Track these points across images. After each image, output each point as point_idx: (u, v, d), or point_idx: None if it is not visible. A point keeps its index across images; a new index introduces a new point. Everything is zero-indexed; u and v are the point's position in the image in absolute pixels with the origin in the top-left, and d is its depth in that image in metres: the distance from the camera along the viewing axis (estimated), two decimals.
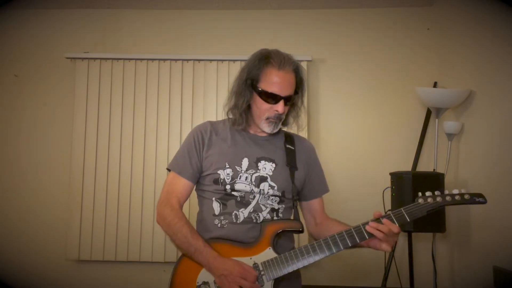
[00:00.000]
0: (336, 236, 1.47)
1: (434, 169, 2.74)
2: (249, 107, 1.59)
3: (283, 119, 1.61)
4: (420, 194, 1.47)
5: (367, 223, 1.45)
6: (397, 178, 2.47)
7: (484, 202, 1.45)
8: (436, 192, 1.46)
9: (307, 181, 1.68)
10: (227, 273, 1.40)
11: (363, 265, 2.81)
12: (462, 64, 2.70)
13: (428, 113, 2.94)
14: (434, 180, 2.46)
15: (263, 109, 1.55)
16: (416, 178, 2.43)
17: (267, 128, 1.58)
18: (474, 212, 2.44)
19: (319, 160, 1.77)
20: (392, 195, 2.51)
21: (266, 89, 1.52)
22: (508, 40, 2.17)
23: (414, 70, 3.02)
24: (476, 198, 1.45)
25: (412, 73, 3.02)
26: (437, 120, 2.73)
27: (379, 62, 3.05)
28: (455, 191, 1.46)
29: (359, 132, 3.02)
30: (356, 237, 1.45)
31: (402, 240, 2.82)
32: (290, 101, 1.57)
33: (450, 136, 2.65)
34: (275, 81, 1.51)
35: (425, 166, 2.91)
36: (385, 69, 3.05)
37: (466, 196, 1.45)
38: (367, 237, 1.45)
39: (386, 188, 2.57)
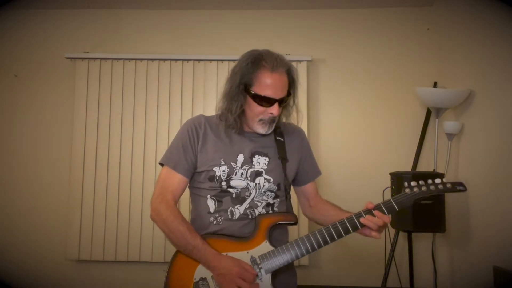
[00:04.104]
0: (330, 227, 1.50)
1: (434, 169, 2.74)
2: (242, 110, 1.58)
3: (276, 121, 1.61)
4: (406, 184, 1.54)
5: (360, 214, 1.50)
6: (397, 178, 2.47)
7: (464, 189, 1.52)
8: (421, 182, 1.53)
9: (300, 167, 1.71)
10: (226, 272, 1.41)
11: (363, 265, 2.81)
12: (462, 64, 2.70)
13: (428, 113, 2.94)
14: None
15: (257, 112, 1.54)
16: (416, 178, 2.41)
17: (261, 130, 1.58)
18: (474, 212, 2.45)
19: (310, 145, 1.80)
20: (392, 195, 2.51)
21: (260, 92, 1.50)
22: (508, 40, 2.18)
23: (414, 70, 3.02)
24: (457, 187, 1.52)
25: (412, 73, 3.02)
26: (437, 120, 2.73)
27: (379, 62, 3.05)
28: (437, 181, 1.53)
29: (359, 132, 3.02)
30: (350, 227, 1.49)
31: (402, 240, 2.82)
32: (284, 103, 1.57)
33: (450, 136, 2.65)
34: (268, 84, 1.50)
35: (425, 166, 2.91)
36: (385, 69, 3.05)
37: (448, 185, 1.52)
38: (360, 227, 1.50)
39: (386, 188, 2.57)
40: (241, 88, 1.53)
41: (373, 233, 1.49)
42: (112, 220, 2.91)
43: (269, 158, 1.60)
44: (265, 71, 1.50)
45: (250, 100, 1.53)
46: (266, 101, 1.51)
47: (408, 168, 2.87)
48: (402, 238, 2.82)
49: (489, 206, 2.28)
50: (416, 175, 2.47)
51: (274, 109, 1.52)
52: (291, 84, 1.57)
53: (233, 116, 1.56)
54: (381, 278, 2.64)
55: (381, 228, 1.49)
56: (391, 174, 2.54)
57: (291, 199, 1.66)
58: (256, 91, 1.51)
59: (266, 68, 1.50)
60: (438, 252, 2.75)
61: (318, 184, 1.81)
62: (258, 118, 1.55)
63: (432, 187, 1.52)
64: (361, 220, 1.48)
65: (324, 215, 1.65)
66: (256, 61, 1.51)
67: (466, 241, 2.55)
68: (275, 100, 1.52)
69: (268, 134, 1.64)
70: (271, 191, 1.58)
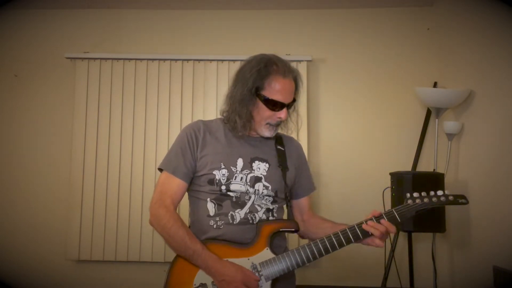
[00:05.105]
0: (331, 235, 1.49)
1: (434, 169, 2.74)
2: (250, 114, 1.58)
3: (281, 124, 1.62)
4: (408, 195, 1.54)
5: (361, 223, 1.50)
6: (397, 178, 2.47)
7: (466, 203, 1.52)
8: (423, 193, 1.53)
9: (297, 180, 1.71)
10: (230, 279, 1.40)
11: (363, 265, 2.81)
12: (462, 64, 2.70)
13: (428, 113, 2.94)
14: (434, 180, 2.46)
15: (265, 116, 1.55)
16: (416, 178, 2.43)
17: (267, 133, 1.59)
18: (474, 212, 2.44)
19: (308, 160, 1.82)
20: (392, 195, 2.51)
21: (271, 96, 1.52)
22: (508, 40, 2.17)
23: (414, 70, 3.02)
24: (459, 200, 1.52)
25: (412, 73, 3.02)
26: (437, 120, 2.73)
27: (379, 62, 3.05)
28: (440, 193, 1.52)
29: (359, 132, 3.02)
30: (351, 237, 1.49)
31: (402, 240, 2.82)
32: (290, 108, 1.59)
33: (450, 136, 2.65)
34: (280, 88, 1.52)
35: (425, 166, 2.91)
36: (385, 69, 3.05)
37: (451, 198, 1.52)
38: (361, 237, 1.49)
39: (386, 188, 2.57)
40: (253, 92, 1.53)
41: (376, 241, 1.48)
42: (112, 220, 2.91)
43: (269, 165, 1.60)
44: (277, 76, 1.52)
45: (259, 104, 1.54)
46: (276, 105, 1.53)
47: (408, 168, 2.87)
48: (402, 238, 2.82)
49: (489, 206, 2.28)
50: (416, 175, 2.47)
51: (283, 113, 1.55)
52: (296, 90, 1.60)
53: (242, 120, 1.56)
54: (381, 278, 2.64)
55: (384, 236, 1.49)
56: (391, 174, 2.54)
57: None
58: (267, 95, 1.52)
59: (279, 73, 1.52)
60: (438, 252, 2.75)
61: (318, 185, 1.82)
62: (266, 121, 1.56)
63: (434, 199, 1.51)
64: (363, 226, 1.47)
65: (318, 227, 1.64)
66: (268, 65, 1.53)
67: (466, 241, 2.55)
68: (285, 104, 1.54)
69: (269, 141, 1.65)
70: (269, 195, 1.59)
